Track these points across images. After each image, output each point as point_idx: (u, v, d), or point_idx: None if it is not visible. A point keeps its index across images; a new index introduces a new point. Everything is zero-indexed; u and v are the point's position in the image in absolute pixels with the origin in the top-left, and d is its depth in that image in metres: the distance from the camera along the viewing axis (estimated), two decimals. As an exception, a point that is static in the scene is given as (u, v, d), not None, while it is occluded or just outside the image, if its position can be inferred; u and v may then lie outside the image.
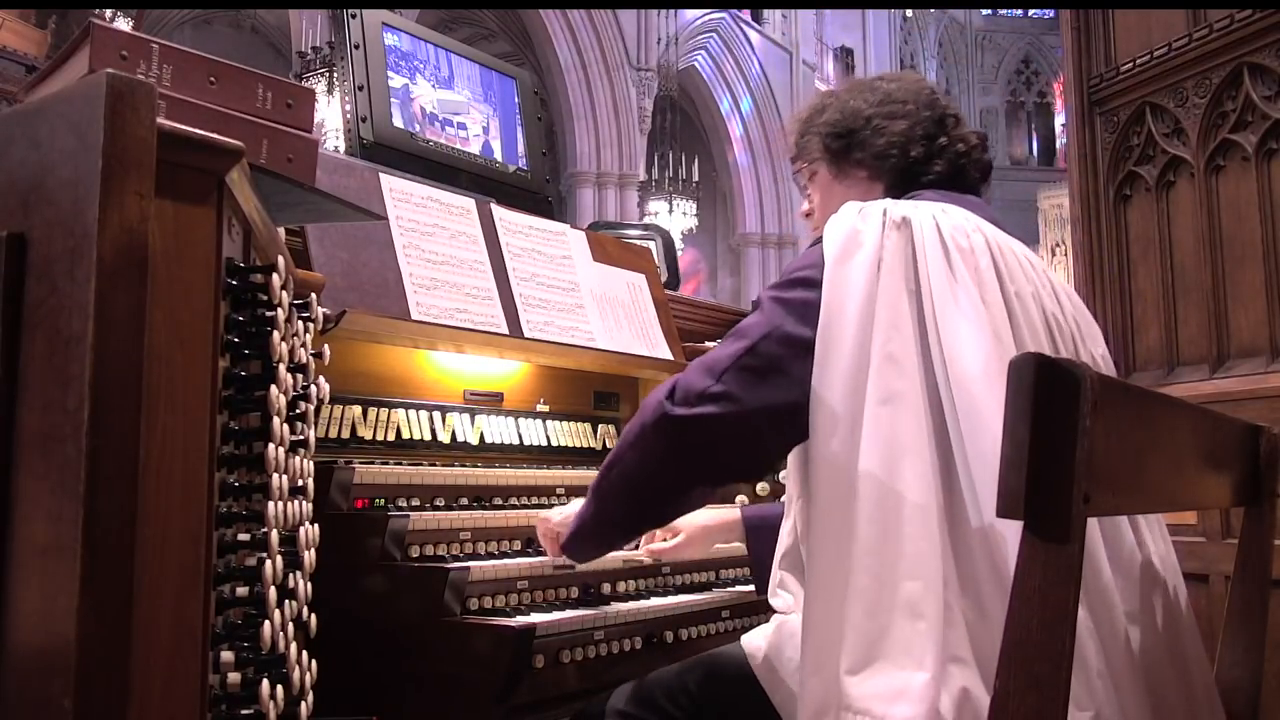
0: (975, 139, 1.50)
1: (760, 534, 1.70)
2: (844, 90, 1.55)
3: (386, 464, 1.76)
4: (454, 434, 2.03)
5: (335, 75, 10.21)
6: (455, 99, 2.48)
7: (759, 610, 1.88)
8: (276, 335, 1.00)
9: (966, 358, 1.15)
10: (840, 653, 1.11)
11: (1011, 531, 1.05)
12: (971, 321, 1.17)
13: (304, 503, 1.18)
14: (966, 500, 1.12)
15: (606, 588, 1.79)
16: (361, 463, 1.70)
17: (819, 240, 1.28)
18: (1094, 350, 1.34)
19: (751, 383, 1.24)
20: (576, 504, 1.54)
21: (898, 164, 1.45)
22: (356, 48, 2.25)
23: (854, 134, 1.48)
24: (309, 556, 1.18)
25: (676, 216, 15.62)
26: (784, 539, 1.41)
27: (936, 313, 1.18)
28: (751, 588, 1.94)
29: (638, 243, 2.84)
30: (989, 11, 26.25)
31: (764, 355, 1.24)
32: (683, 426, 1.25)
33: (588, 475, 2.07)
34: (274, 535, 0.98)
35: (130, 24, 9.58)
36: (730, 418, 1.24)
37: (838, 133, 1.49)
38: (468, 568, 1.53)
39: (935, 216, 1.25)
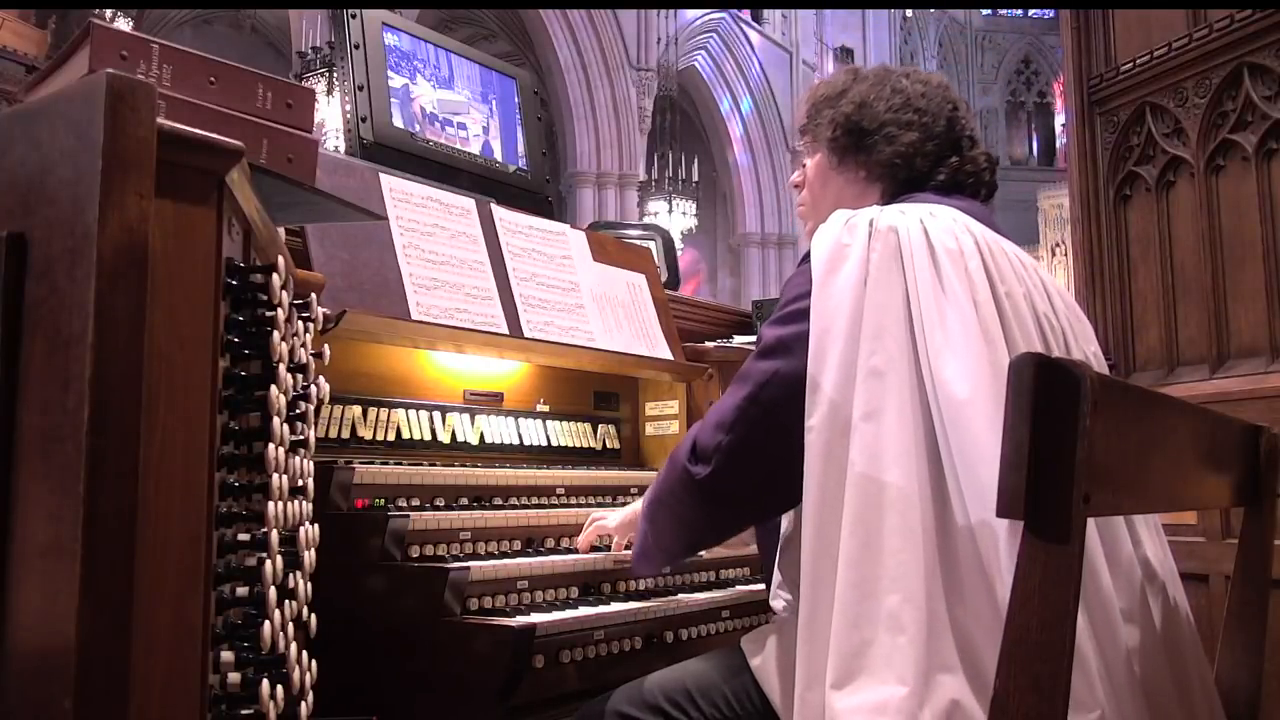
0: (985, 162, 1.48)
1: (767, 529, 1.69)
2: (870, 79, 1.51)
3: (386, 464, 1.76)
4: (454, 434, 2.03)
5: (335, 75, 10.21)
6: (455, 99, 2.48)
7: (759, 610, 1.88)
8: (276, 335, 0.99)
9: (949, 368, 1.14)
10: (827, 666, 1.11)
11: (1000, 536, 1.06)
12: (959, 327, 1.17)
13: (304, 503, 1.18)
14: (954, 507, 1.12)
15: (606, 588, 1.79)
16: (361, 463, 1.70)
17: (807, 257, 1.29)
18: (1086, 349, 1.34)
19: (758, 431, 1.29)
20: (632, 508, 1.66)
21: (900, 174, 1.45)
22: (356, 48, 2.25)
23: (864, 136, 1.46)
24: (309, 556, 1.18)
25: (676, 216, 15.61)
26: (784, 537, 1.41)
27: (924, 323, 1.17)
28: (751, 587, 1.94)
29: (638, 243, 2.84)
30: (989, 11, 26.24)
31: (765, 403, 1.28)
32: (701, 485, 1.33)
33: (588, 475, 2.08)
34: (274, 535, 0.98)
35: (130, 24, 9.60)
36: (744, 470, 1.30)
37: (848, 129, 1.47)
38: (468, 568, 1.53)
39: (923, 220, 1.24)
